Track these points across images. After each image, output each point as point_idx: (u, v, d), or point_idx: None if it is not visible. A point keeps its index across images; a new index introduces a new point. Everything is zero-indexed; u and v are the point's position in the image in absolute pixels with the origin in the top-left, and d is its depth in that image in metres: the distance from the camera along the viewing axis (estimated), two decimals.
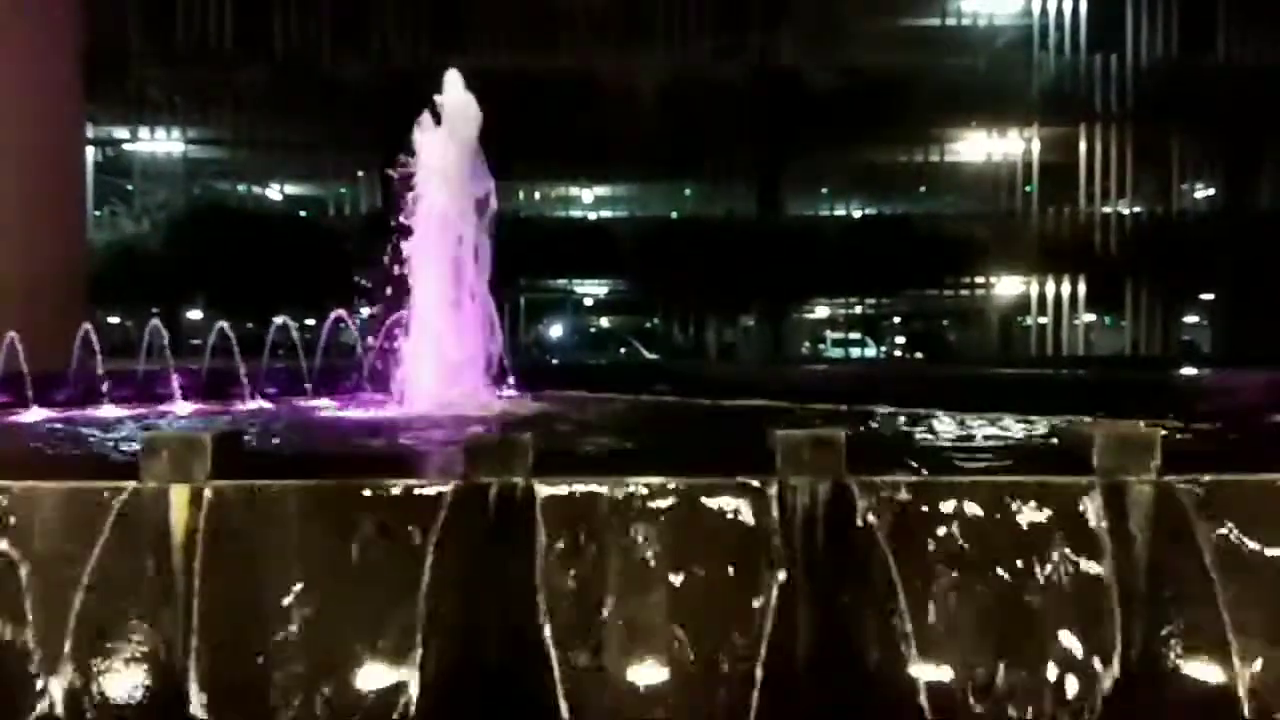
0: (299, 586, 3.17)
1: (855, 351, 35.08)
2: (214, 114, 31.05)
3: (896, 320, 37.82)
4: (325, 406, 7.14)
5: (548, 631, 3.12)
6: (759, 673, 3.18)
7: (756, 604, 3.24)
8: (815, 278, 30.07)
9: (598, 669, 3.18)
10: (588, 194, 35.85)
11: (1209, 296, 32.43)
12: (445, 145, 7.14)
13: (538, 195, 35.09)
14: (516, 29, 29.63)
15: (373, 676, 3.12)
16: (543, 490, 3.22)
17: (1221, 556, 3.38)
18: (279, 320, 8.66)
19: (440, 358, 6.97)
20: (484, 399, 6.91)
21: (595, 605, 3.21)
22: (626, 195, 35.47)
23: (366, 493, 3.20)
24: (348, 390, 7.13)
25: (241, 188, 33.38)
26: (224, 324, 8.48)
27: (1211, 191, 32.90)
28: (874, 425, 5.94)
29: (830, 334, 36.94)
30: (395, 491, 3.20)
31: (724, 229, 30.30)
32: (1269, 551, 3.40)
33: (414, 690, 3.08)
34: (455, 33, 28.50)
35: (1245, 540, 3.41)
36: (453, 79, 7.50)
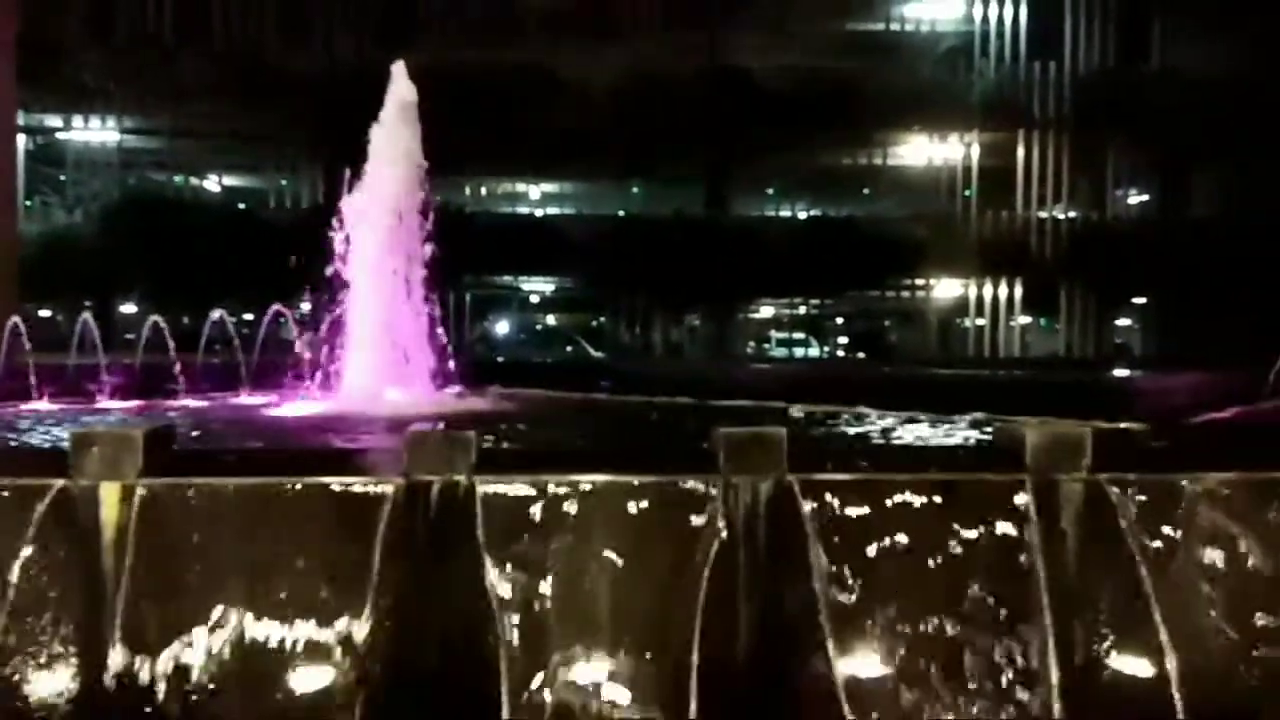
0: (233, 587, 3.11)
1: (799, 351, 35.43)
2: (151, 103, 30.26)
3: (840, 320, 38.28)
4: (262, 403, 7.01)
5: (491, 630, 3.11)
6: (700, 669, 3.20)
7: (699, 601, 3.26)
8: (761, 278, 30.31)
9: (541, 667, 3.17)
10: (535, 191, 35.70)
11: (1141, 301, 33.36)
12: (389, 140, 7.06)
13: (485, 191, 34.84)
14: (465, 24, 29.39)
15: (310, 678, 3.08)
16: (486, 488, 3.20)
17: (1150, 552, 3.48)
18: (215, 315, 8.49)
19: (381, 354, 6.89)
20: (427, 396, 6.84)
21: (538, 603, 3.20)
22: (575, 193, 35.39)
23: (305, 491, 3.16)
24: (286, 387, 7.01)
25: (178, 179, 32.60)
26: (158, 318, 8.28)
27: (1145, 198, 33.85)
28: (815, 424, 6.02)
29: (775, 333, 37.26)
30: (334, 490, 3.16)
31: (671, 228, 30.39)
32: (1196, 547, 3.52)
33: (353, 691, 3.04)
34: (400, 25, 28.16)
35: (1173, 536, 3.53)
36: (398, 72, 7.42)
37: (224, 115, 29.50)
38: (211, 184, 34.70)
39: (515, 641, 3.13)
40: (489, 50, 28.27)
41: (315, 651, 3.09)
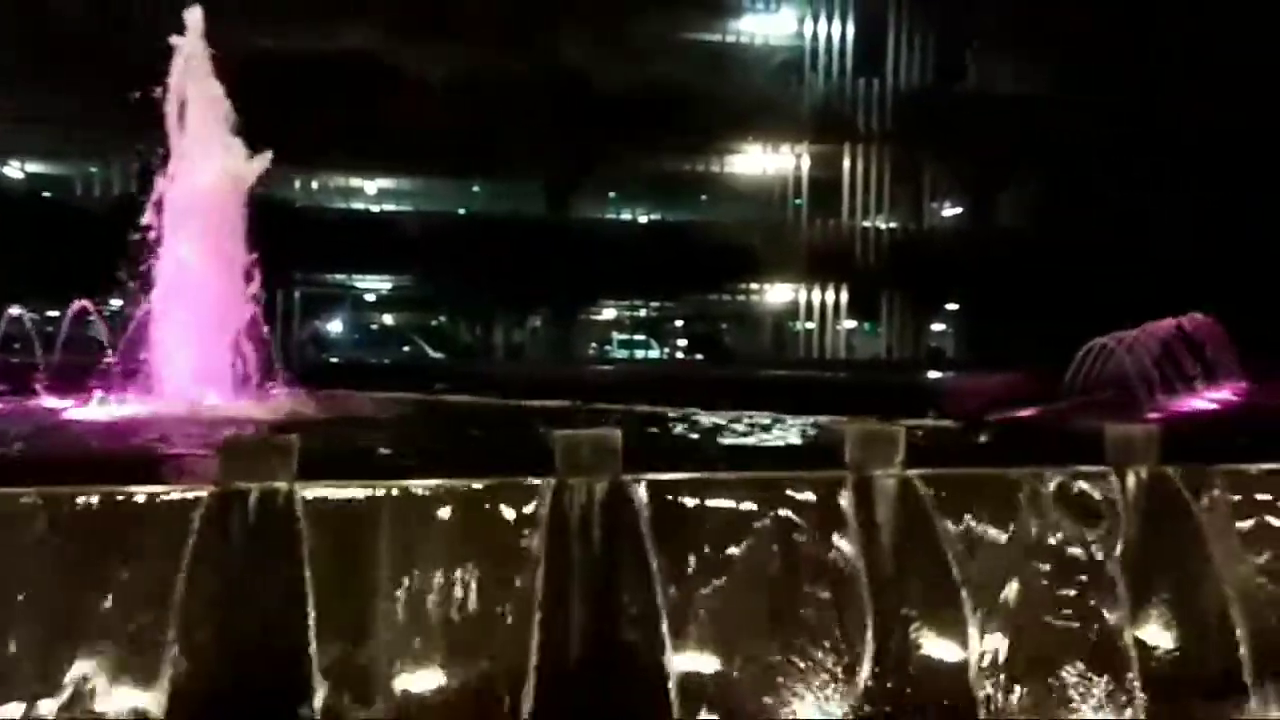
0: (29, 603, 2.88)
1: (640, 353, 35.89)
2: None
3: (679, 323, 39.02)
4: (64, 406, 6.51)
5: (313, 644, 2.99)
6: (534, 673, 3.19)
7: (532, 604, 3.25)
8: (602, 280, 30.56)
9: (367, 679, 3.08)
10: (370, 186, 34.61)
11: (954, 306, 35.61)
12: (193, 115, 6.65)
13: (315, 185, 33.48)
14: (295, 8, 28.15)
15: (115, 699, 2.88)
16: (308, 494, 3.08)
17: (958, 543, 3.72)
18: (13, 311, 7.83)
19: (197, 354, 6.51)
20: (248, 398, 6.52)
21: (365, 614, 3.11)
22: (412, 189, 34.54)
23: (108, 500, 2.95)
24: (91, 388, 6.53)
25: None
26: None
27: (958, 210, 36.16)
28: (651, 425, 6.11)
29: (616, 335, 37.61)
30: (140, 499, 2.97)
31: (513, 228, 30.18)
32: (1001, 538, 3.78)
33: (161, 713, 2.86)
34: (225, 5, 26.66)
35: (979, 528, 3.78)
36: (194, 21, 6.90)
37: (27, 96, 27.17)
38: (13, 170, 31.92)
39: (338, 654, 3.02)
40: (319, 38, 27.24)
41: (122, 672, 2.89)
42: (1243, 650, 3.82)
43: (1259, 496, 4.09)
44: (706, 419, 6.50)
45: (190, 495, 2.98)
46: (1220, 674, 3.86)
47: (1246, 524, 4.06)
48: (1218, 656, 3.88)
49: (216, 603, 2.96)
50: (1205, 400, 9.44)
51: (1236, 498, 4.06)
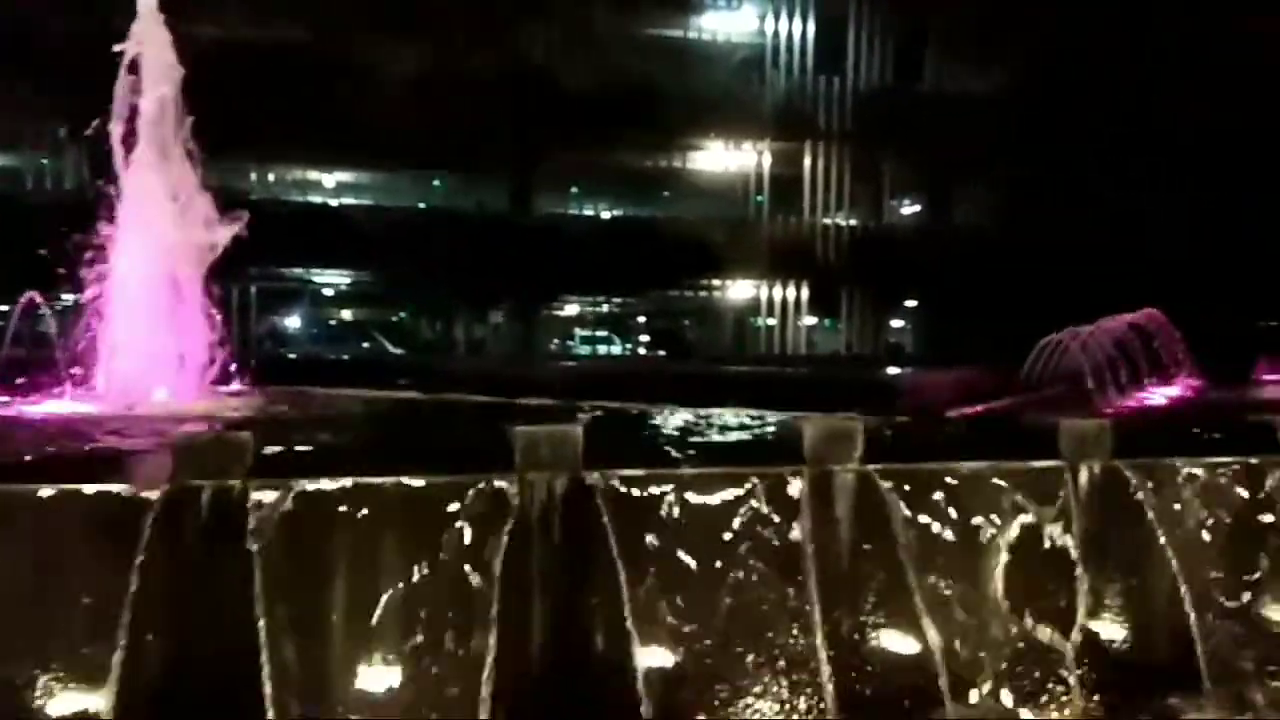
0: None
1: (603, 349, 35.85)
2: None
3: (641, 319, 39.05)
4: (11, 402, 6.36)
5: (265, 643, 2.94)
6: (493, 671, 3.18)
7: (492, 600, 3.24)
8: (564, 275, 30.45)
9: (321, 679, 3.05)
10: (329, 179, 34.15)
11: (913, 303, 36.02)
12: (146, 105, 6.51)
13: (272, 177, 32.97)
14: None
15: (63, 700, 2.82)
16: (262, 492, 3.03)
17: (915, 536, 3.76)
18: None
19: (150, 349, 6.39)
20: (202, 395, 6.41)
21: (319, 613, 3.07)
22: (371, 183, 34.15)
23: (58, 499, 2.89)
24: (41, 385, 6.37)
25: None
26: None
27: (917, 208, 36.56)
28: (613, 421, 6.10)
29: (579, 331, 37.54)
30: (91, 496, 2.91)
31: (474, 223, 29.97)
32: (958, 532, 3.83)
33: (110, 714, 2.80)
34: None
35: (936, 521, 3.83)
36: (149, 10, 6.72)
37: None
38: None
39: (292, 654, 2.98)
40: (278, 29, 26.84)
41: (71, 673, 2.83)
42: (1195, 642, 3.91)
43: (1208, 490, 4.18)
44: (668, 414, 6.50)
45: (142, 494, 2.93)
46: (1173, 665, 3.94)
47: (1196, 517, 4.15)
48: (1170, 648, 3.96)
49: (168, 602, 2.91)
50: (1157, 395, 9.64)
51: (1187, 491, 4.15)
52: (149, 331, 6.48)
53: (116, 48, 6.68)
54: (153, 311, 6.50)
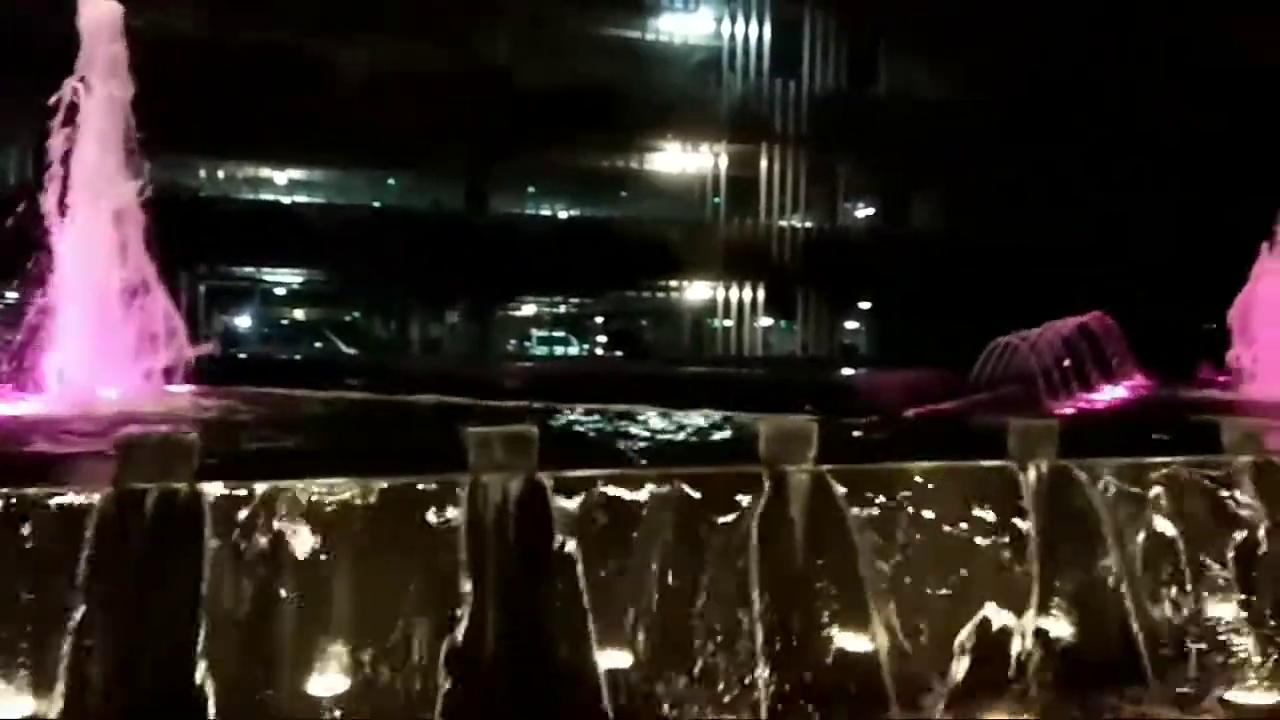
0: None
1: (560, 349, 35.74)
2: None
3: (599, 319, 38.99)
4: None
5: (203, 647, 2.87)
6: (447, 672, 3.15)
7: (447, 602, 3.21)
8: (521, 275, 30.30)
9: (270, 683, 3.00)
10: (281, 176, 33.62)
11: (867, 305, 36.41)
12: (93, 98, 6.36)
13: (222, 174, 32.38)
14: None
15: (6, 706, 2.75)
16: (211, 494, 2.97)
17: (868, 535, 3.80)
18: None
19: (96, 348, 6.24)
20: (150, 395, 6.28)
21: (269, 617, 3.02)
22: (324, 180, 33.68)
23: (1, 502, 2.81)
24: None
25: None
26: None
27: (871, 211, 36.95)
28: (568, 421, 6.09)
29: (536, 331, 37.39)
30: (33, 500, 2.83)
31: (430, 222, 29.70)
32: (910, 531, 3.87)
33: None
34: None
35: (889, 521, 3.87)
36: (103, 12, 6.56)
37: None
38: None
39: (237, 657, 2.92)
40: (235, 25, 26.35)
41: (9, 682, 2.76)
42: (1139, 637, 3.99)
43: (1153, 488, 4.27)
44: (624, 415, 6.50)
45: (86, 497, 2.85)
46: (1118, 660, 4.03)
47: (1141, 514, 4.24)
48: (1116, 643, 4.05)
49: (113, 606, 2.84)
50: (1104, 396, 9.85)
51: (1132, 489, 4.24)
52: (95, 330, 6.34)
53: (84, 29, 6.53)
54: (98, 310, 6.36)
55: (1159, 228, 27.54)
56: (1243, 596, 4.17)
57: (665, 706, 3.39)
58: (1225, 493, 4.28)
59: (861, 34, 33.75)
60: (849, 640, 3.72)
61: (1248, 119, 26.11)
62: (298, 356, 22.28)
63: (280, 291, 34.74)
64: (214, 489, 2.97)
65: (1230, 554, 4.21)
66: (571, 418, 6.30)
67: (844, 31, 33.87)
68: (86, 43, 6.54)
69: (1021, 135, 29.05)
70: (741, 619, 3.58)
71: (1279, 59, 25.24)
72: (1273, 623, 4.11)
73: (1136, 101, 28.74)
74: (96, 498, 2.85)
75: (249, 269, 31.77)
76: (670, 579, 3.53)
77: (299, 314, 36.55)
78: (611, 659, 3.35)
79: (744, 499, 3.66)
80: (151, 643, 2.87)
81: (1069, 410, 8.19)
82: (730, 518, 3.64)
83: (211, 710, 2.84)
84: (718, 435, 5.76)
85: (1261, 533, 4.23)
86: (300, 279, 33.88)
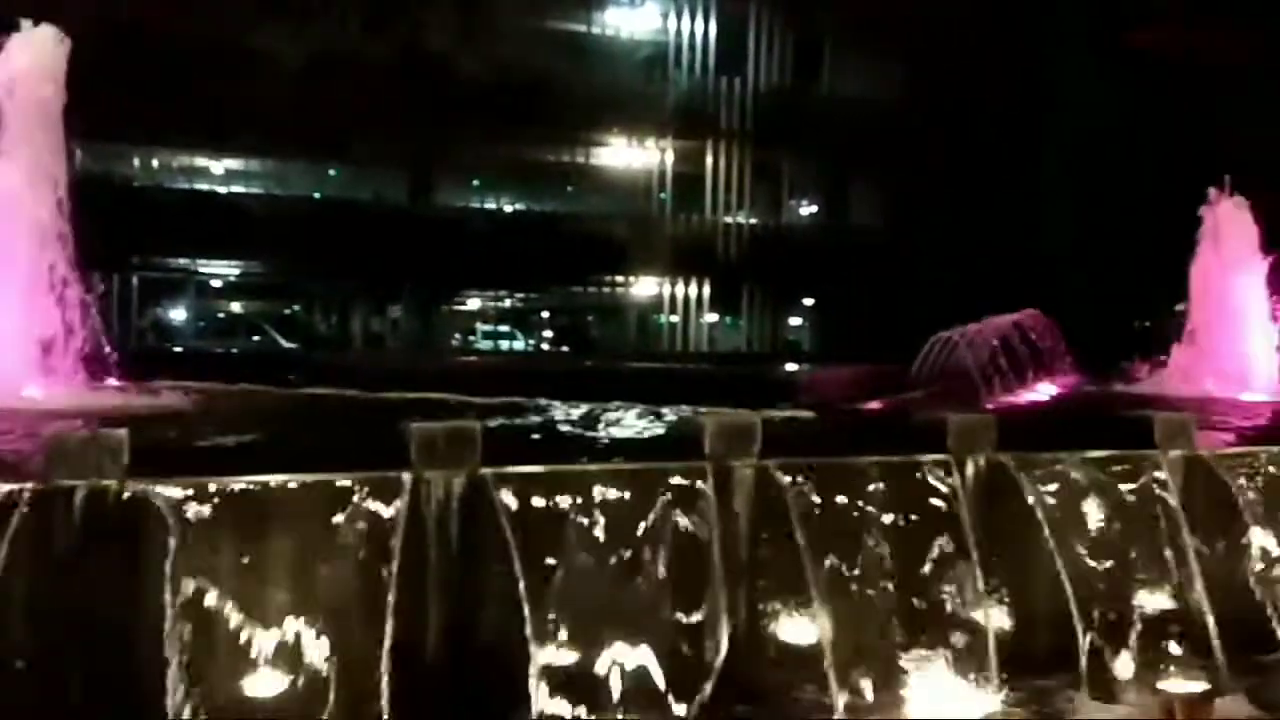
0: None
1: (505, 344, 35.55)
2: None
3: (544, 314, 38.84)
4: None
5: (147, 647, 2.79)
6: (391, 669, 3.10)
7: (389, 600, 3.16)
8: (465, 269, 30.05)
9: (209, 683, 2.92)
10: (217, 166, 32.84)
11: (810, 301, 36.81)
12: (20, 91, 6.15)
13: (156, 163, 31.51)
14: None
15: None
16: (145, 492, 2.87)
17: (812, 529, 3.83)
18: None
19: (19, 342, 6.03)
20: (77, 391, 6.09)
21: (205, 617, 2.94)
22: (263, 171, 32.98)
23: None
24: None
25: None
26: None
27: (814, 208, 37.34)
28: (512, 417, 6.04)
29: (481, 326, 37.12)
30: None
31: (372, 214, 29.29)
32: (853, 524, 3.91)
33: None
34: None
35: (832, 514, 3.90)
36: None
37: None
38: None
39: (175, 659, 2.84)
40: (165, 10, 25.66)
41: None
42: (1076, 628, 4.08)
43: (1086, 481, 4.37)
44: (569, 410, 6.48)
45: (9, 493, 2.74)
46: (1054, 652, 4.11)
47: (1075, 507, 4.33)
48: (1052, 635, 4.13)
49: (36, 607, 2.74)
50: (1038, 391, 10.06)
51: (1067, 483, 4.33)
52: (18, 322, 6.12)
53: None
54: (21, 301, 6.14)
55: (1093, 225, 28.24)
56: (1176, 588, 4.29)
57: (605, 704, 3.37)
58: (1157, 486, 4.39)
59: (806, 32, 34.06)
60: (794, 633, 3.75)
61: (1176, 117, 26.93)
62: (234, 350, 21.85)
63: (217, 284, 34.00)
64: (144, 486, 2.88)
65: (1163, 546, 4.33)
66: (516, 412, 6.26)
67: (789, 29, 34.14)
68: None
69: (960, 133, 29.59)
70: (686, 613, 3.58)
71: (1211, 60, 26.15)
72: (1203, 613, 4.23)
73: (1070, 100, 29.45)
74: (23, 493, 2.75)
75: (184, 260, 30.99)
76: (614, 575, 3.51)
77: (236, 307, 35.79)
78: (550, 656, 3.32)
79: (689, 494, 3.66)
80: (78, 640, 2.77)
81: (1004, 404, 8.36)
82: (675, 513, 3.64)
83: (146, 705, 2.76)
84: (664, 430, 5.76)
85: (1190, 525, 4.35)
86: (238, 271, 33.16)
